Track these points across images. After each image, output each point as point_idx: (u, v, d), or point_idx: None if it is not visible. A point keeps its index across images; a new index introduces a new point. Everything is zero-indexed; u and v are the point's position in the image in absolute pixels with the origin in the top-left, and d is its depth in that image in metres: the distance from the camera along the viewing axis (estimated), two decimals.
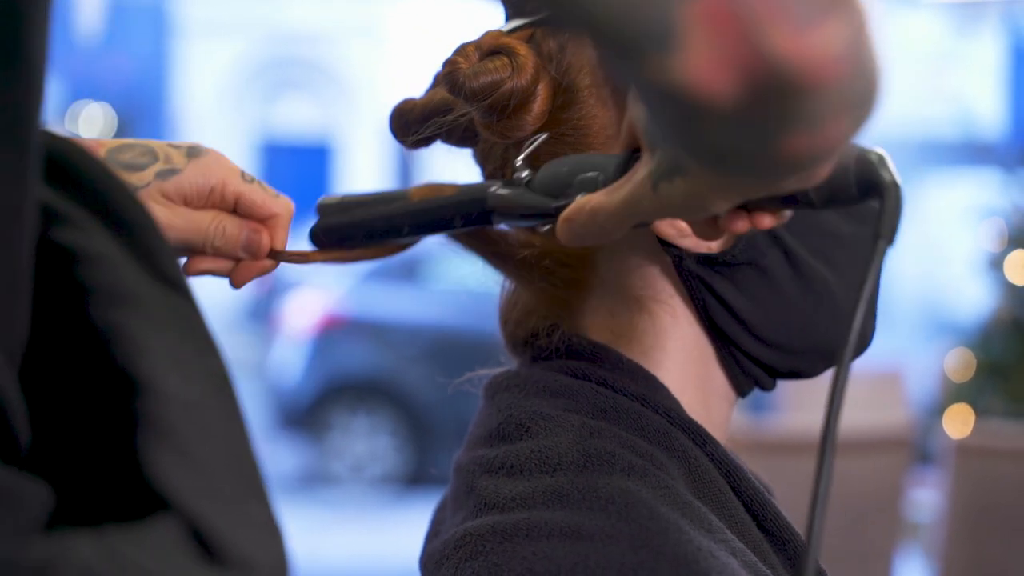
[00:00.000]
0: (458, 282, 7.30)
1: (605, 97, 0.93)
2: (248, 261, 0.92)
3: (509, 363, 1.02)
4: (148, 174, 0.90)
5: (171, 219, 0.90)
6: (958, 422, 4.46)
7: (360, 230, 0.92)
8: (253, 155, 14.66)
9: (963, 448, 3.15)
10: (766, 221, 0.78)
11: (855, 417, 4.15)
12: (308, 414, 7.95)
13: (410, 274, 8.15)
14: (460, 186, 0.91)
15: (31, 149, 0.51)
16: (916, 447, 3.39)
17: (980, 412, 4.54)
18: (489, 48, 0.92)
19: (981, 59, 12.36)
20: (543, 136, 0.92)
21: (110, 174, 0.56)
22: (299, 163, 14.66)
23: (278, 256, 0.93)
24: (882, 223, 0.75)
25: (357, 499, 7.77)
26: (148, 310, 0.53)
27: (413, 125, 0.97)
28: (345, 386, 7.97)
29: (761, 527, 0.93)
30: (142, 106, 12.80)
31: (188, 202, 0.91)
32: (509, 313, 1.00)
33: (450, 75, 0.92)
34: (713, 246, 0.90)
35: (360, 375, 7.96)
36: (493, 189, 0.89)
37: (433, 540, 0.94)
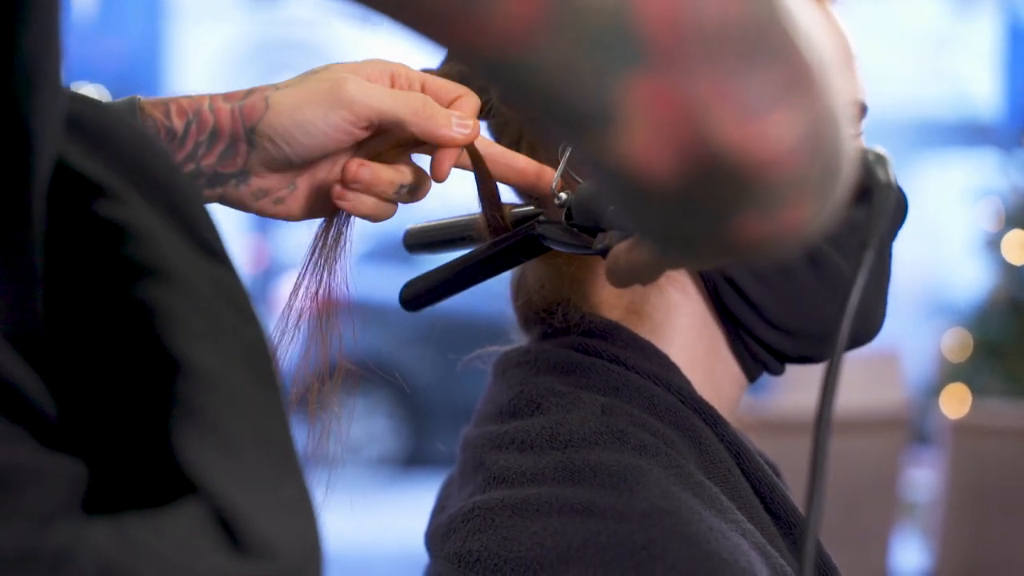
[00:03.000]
0: None
1: None
2: (451, 148, 0.87)
3: (516, 341, 1.02)
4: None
5: (377, 88, 0.87)
6: (955, 402, 4.46)
7: (444, 287, 0.97)
8: None
9: (960, 428, 3.15)
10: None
11: (852, 397, 4.14)
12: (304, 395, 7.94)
13: (406, 255, 8.13)
14: (510, 213, 0.93)
15: (33, 137, 0.50)
16: (913, 427, 3.39)
17: (977, 392, 4.54)
18: None
19: (978, 40, 12.34)
20: (569, 152, 0.91)
21: (148, 140, 0.55)
22: None
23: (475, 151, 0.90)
24: (868, 229, 0.68)
25: (353, 480, 7.78)
26: (188, 285, 0.52)
27: None
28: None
29: (768, 509, 0.93)
30: (137, 88, 12.76)
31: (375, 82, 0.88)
32: (521, 289, 1.00)
33: None
34: None
35: (357, 356, 7.95)
36: (540, 227, 0.90)
37: (439, 515, 0.94)
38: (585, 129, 0.55)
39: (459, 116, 0.87)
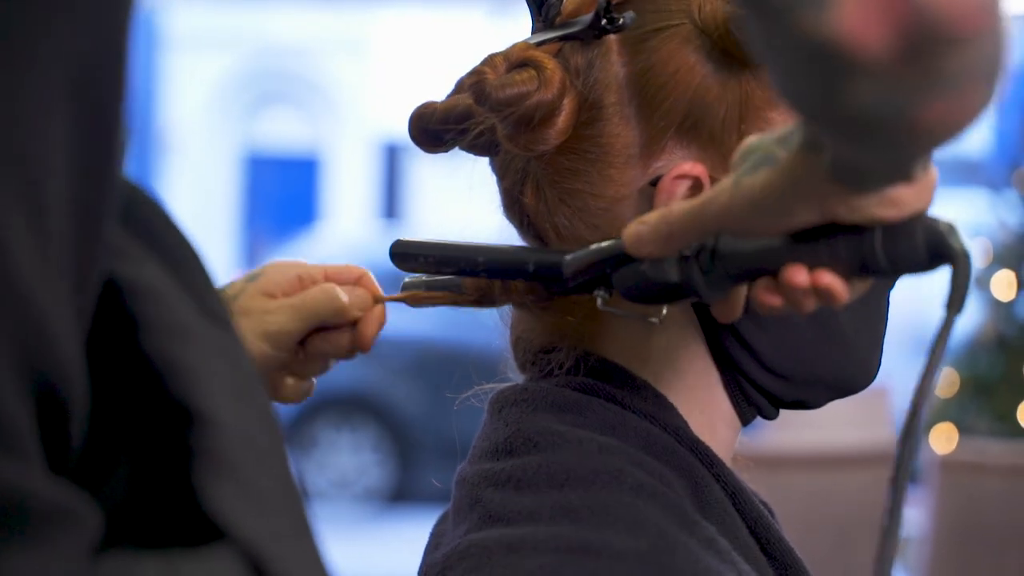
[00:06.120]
0: None
1: (629, 116, 0.92)
2: (363, 317, 0.96)
3: (509, 376, 1.01)
4: (239, 283, 0.95)
5: (284, 309, 0.94)
6: (943, 439, 4.47)
7: (435, 253, 0.94)
8: (239, 168, 14.64)
9: (948, 465, 3.15)
10: (827, 279, 0.79)
11: (840, 434, 4.14)
12: (293, 429, 7.93)
13: (394, 287, 8.13)
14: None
15: (113, 192, 0.52)
16: None
17: (964, 429, 4.55)
18: (517, 60, 0.92)
19: None
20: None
21: (161, 209, 0.56)
22: (285, 176, 14.64)
23: (384, 299, 0.98)
24: (953, 294, 0.76)
25: (341, 514, 7.75)
26: (201, 343, 0.53)
27: (433, 128, 0.96)
28: (329, 401, 7.95)
29: (764, 550, 0.93)
30: (129, 117, 12.77)
31: (285, 293, 0.95)
32: (519, 328, 1.00)
33: (477, 84, 0.92)
34: None
35: (344, 390, 7.95)
36: (570, 255, 0.90)
37: (433, 552, 0.93)
38: (797, 8, 0.60)
39: (357, 299, 0.96)
